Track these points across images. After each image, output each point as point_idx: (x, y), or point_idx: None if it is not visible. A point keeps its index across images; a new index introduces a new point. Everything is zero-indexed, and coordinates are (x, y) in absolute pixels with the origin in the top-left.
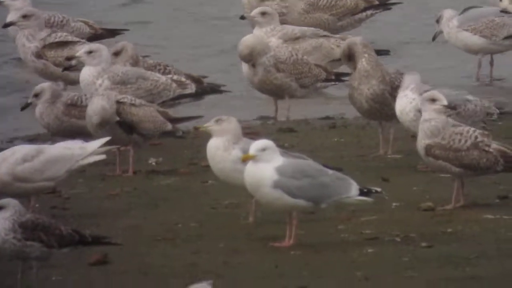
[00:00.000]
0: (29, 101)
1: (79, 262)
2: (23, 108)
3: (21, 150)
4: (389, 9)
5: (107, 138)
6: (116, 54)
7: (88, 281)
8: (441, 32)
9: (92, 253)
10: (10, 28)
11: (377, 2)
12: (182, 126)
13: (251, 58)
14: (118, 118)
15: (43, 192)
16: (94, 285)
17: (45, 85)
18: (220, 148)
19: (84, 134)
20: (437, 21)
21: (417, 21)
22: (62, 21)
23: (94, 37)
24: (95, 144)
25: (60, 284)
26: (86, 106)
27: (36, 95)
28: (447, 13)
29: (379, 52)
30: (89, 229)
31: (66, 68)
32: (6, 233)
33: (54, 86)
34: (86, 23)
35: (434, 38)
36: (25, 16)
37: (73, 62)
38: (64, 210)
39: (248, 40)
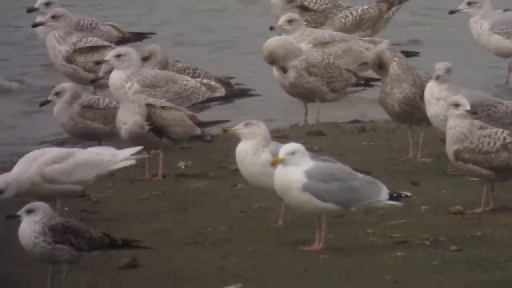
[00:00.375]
0: (49, 98)
1: (109, 265)
2: (42, 105)
3: (51, 151)
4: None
5: (138, 148)
6: (145, 58)
7: (118, 284)
8: (461, 12)
9: (121, 257)
10: (40, 32)
11: None
12: (211, 129)
13: (272, 60)
14: (148, 127)
15: (71, 195)
16: None
17: (67, 85)
18: (249, 151)
19: (98, 137)
20: (469, 4)
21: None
22: (91, 24)
23: (122, 41)
24: (127, 152)
25: (90, 287)
26: (102, 108)
27: (57, 94)
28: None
29: (409, 54)
30: (119, 233)
31: (93, 81)
32: (36, 236)
33: (75, 87)
34: (114, 27)
35: (452, 12)
36: (54, 17)
37: (100, 74)
38: (94, 213)
39: (270, 42)
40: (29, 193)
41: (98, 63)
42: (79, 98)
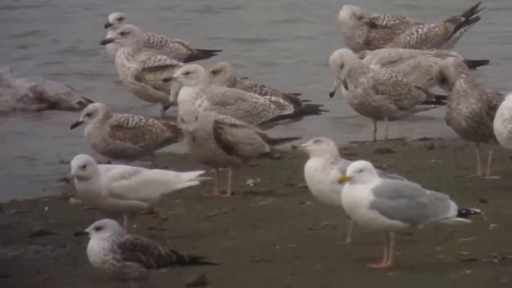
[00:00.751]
0: (81, 119)
1: (177, 282)
2: (73, 127)
3: (121, 167)
4: (478, 19)
5: (202, 171)
6: (214, 72)
7: None
8: None
9: (190, 274)
10: (110, 49)
11: (463, 18)
12: (280, 147)
13: (335, 69)
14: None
15: (137, 212)
16: None
17: (99, 105)
18: (318, 169)
19: (128, 157)
20: None
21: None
22: (161, 42)
23: (190, 58)
24: (190, 175)
25: None
26: (131, 128)
27: (89, 115)
28: None
29: (478, 63)
30: (187, 250)
31: (167, 108)
32: (105, 254)
33: (106, 107)
34: (182, 43)
35: None
36: (123, 33)
37: (172, 98)
38: (162, 230)
39: (334, 54)
40: (94, 205)
41: (167, 80)
42: (110, 118)
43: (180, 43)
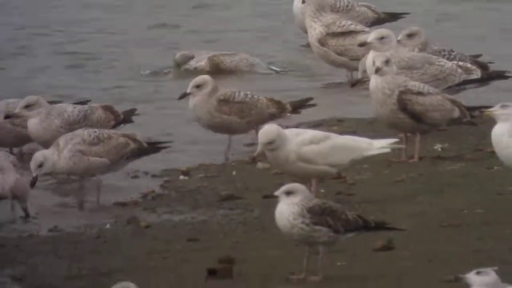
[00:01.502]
0: (189, 91)
1: (364, 247)
2: (181, 97)
3: (310, 132)
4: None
5: (396, 140)
6: (409, 36)
7: (373, 266)
8: None
9: (377, 239)
10: (298, 13)
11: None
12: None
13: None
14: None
15: (326, 177)
16: (379, 270)
17: (207, 77)
18: (505, 134)
19: (232, 131)
20: None
21: None
22: (347, 6)
23: (377, 22)
24: (383, 142)
25: (345, 269)
26: (238, 102)
27: (198, 86)
28: None
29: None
30: (374, 215)
31: (354, 84)
32: (294, 218)
33: (214, 80)
34: (369, 7)
35: None
36: None
37: (359, 75)
38: (349, 196)
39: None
40: (282, 170)
41: (361, 45)
42: (217, 92)
43: (367, 6)
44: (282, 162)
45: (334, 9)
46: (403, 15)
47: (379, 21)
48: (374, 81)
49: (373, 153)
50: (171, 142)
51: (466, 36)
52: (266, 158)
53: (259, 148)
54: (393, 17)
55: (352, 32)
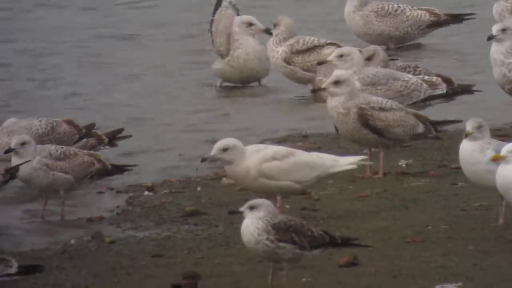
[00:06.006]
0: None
1: (329, 263)
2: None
3: (273, 148)
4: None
5: (364, 157)
6: (368, 59)
7: (338, 282)
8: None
9: (342, 255)
10: None
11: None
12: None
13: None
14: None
15: (290, 193)
16: (344, 286)
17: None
18: (476, 149)
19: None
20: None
21: None
22: (396, 11)
23: (436, 24)
24: (351, 159)
25: (310, 285)
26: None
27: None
28: None
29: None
30: (339, 231)
31: (315, 91)
32: (259, 234)
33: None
34: (428, 10)
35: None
36: None
37: (323, 85)
38: (314, 211)
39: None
40: (245, 186)
41: (320, 63)
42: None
43: (427, 10)
44: (242, 177)
45: (381, 13)
46: (468, 17)
47: (439, 24)
48: (328, 101)
49: (340, 170)
50: (135, 165)
51: None
52: (223, 169)
53: (212, 152)
54: (457, 19)
55: (316, 47)
